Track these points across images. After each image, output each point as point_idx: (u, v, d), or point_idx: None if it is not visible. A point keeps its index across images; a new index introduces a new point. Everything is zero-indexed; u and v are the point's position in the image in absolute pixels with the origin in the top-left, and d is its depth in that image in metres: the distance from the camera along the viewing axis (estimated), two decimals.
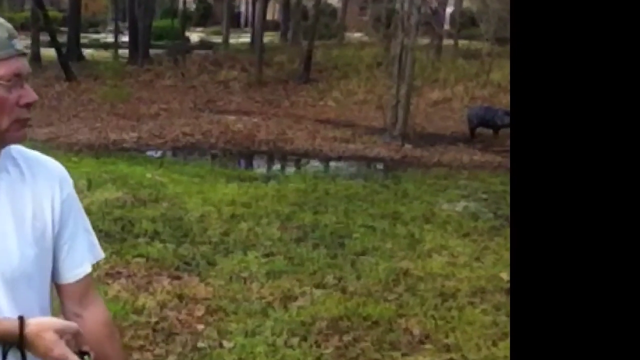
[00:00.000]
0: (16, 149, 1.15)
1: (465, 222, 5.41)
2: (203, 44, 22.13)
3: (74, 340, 1.03)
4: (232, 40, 21.56)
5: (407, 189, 6.67)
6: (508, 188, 5.50)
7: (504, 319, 3.41)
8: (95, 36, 25.38)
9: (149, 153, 8.95)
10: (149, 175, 6.61)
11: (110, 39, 22.15)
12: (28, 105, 1.10)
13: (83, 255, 1.20)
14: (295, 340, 3.18)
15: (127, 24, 21.17)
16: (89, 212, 1.26)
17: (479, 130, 10.36)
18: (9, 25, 1.10)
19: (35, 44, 16.67)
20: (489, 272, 4.15)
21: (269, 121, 11.33)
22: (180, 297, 3.61)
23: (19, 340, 1.00)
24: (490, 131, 10.26)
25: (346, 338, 3.23)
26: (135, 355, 2.99)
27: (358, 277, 4.02)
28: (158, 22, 23.41)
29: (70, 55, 17.12)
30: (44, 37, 16.63)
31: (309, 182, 6.80)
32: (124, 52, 19.37)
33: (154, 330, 3.23)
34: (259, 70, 15.83)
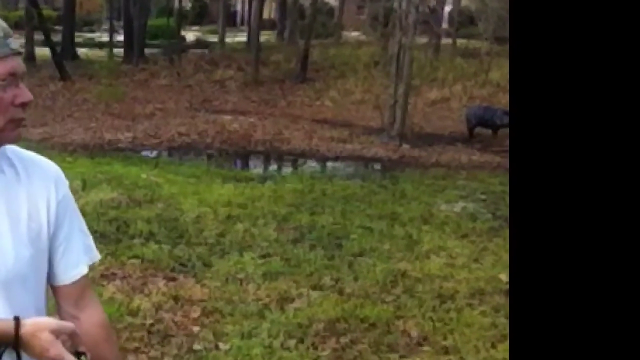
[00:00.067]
0: (11, 149, 1.15)
1: (463, 222, 5.40)
2: (199, 43, 22.11)
3: (70, 340, 1.02)
4: (228, 39, 21.55)
5: (405, 189, 6.65)
6: (507, 188, 5.45)
7: (503, 321, 3.39)
8: (90, 35, 25.34)
9: (144, 153, 8.92)
10: (144, 176, 6.60)
11: (105, 38, 22.15)
12: (23, 105, 1.10)
13: (79, 257, 1.19)
14: (292, 343, 3.17)
15: (122, 23, 21.15)
16: (83, 212, 1.25)
17: (478, 130, 10.35)
18: (4, 24, 1.09)
19: (29, 43, 16.60)
20: (487, 273, 4.15)
21: (266, 121, 11.32)
22: (175, 298, 3.60)
23: (15, 340, 0.99)
24: (489, 131, 10.24)
25: (343, 340, 3.22)
26: (131, 357, 2.97)
27: (355, 279, 4.01)
28: (153, 20, 23.40)
29: (64, 54, 17.10)
30: (38, 36, 16.59)
31: (305, 183, 6.78)
32: (119, 51, 19.36)
33: (149, 332, 3.21)
34: (256, 69, 15.81)
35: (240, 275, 3.96)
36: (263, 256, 4.32)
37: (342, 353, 3.11)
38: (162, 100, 13.38)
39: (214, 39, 22.38)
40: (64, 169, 1.22)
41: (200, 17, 30.88)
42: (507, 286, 3.75)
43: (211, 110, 12.47)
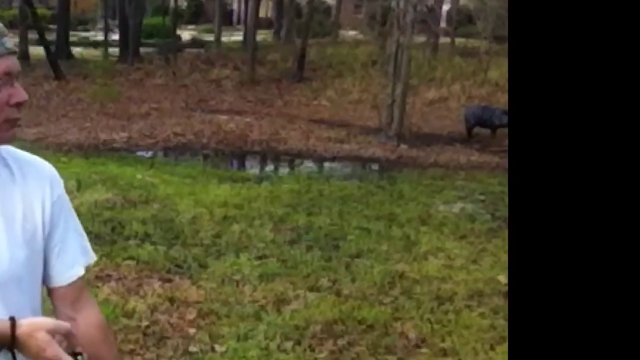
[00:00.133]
0: (6, 149, 1.14)
1: (462, 223, 5.39)
2: (195, 42, 22.09)
3: (66, 341, 1.01)
4: (224, 39, 21.52)
5: (403, 190, 6.65)
6: (506, 189, 5.45)
7: (502, 323, 3.39)
8: (84, 34, 25.30)
9: (140, 153, 8.90)
10: (139, 176, 6.58)
11: (100, 37, 22.10)
12: (18, 105, 1.09)
13: (75, 258, 1.19)
14: (288, 345, 3.15)
15: (117, 22, 21.11)
16: (78, 213, 1.24)
17: (477, 130, 10.34)
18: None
19: (24, 42, 16.57)
20: (486, 274, 4.14)
21: (262, 121, 11.30)
22: (171, 300, 3.58)
23: (11, 341, 0.98)
24: (488, 131, 10.23)
25: (341, 342, 3.21)
26: (126, 359, 2.93)
27: (353, 280, 4.00)
28: (149, 19, 23.36)
29: (59, 53, 17.05)
30: (33, 35, 16.56)
31: (302, 183, 6.77)
32: (114, 50, 19.32)
33: (145, 334, 3.20)
34: (252, 69, 15.78)
35: (237, 277, 3.95)
36: (259, 257, 4.31)
37: (339, 355, 3.10)
38: (158, 99, 13.35)
39: (210, 38, 22.36)
40: (58, 170, 1.22)
41: (196, 16, 30.87)
42: (506, 288, 3.72)
43: (207, 110, 12.45)
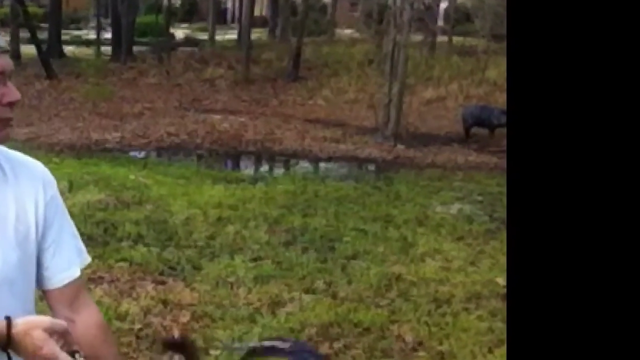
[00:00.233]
0: None
1: (459, 225, 5.38)
2: (188, 41, 22.03)
3: (63, 339, 1.00)
4: (218, 37, 21.48)
5: (400, 190, 6.63)
6: (504, 190, 5.48)
7: (500, 326, 3.38)
8: (76, 33, 25.20)
9: (133, 154, 8.87)
10: (132, 177, 6.56)
11: (92, 35, 22.03)
12: (11, 104, 1.08)
13: (70, 259, 1.18)
14: None
15: (109, 20, 21.06)
16: (70, 214, 1.23)
17: (474, 130, 10.30)
18: None
19: (15, 41, 16.45)
20: (484, 276, 4.14)
21: (257, 121, 11.28)
22: (164, 302, 3.57)
23: (7, 340, 0.97)
24: (486, 131, 10.19)
25: (337, 345, 3.20)
26: None
27: (349, 282, 3.99)
28: (142, 18, 23.29)
29: (51, 52, 16.98)
30: (24, 34, 16.47)
31: (298, 184, 6.75)
32: (106, 49, 19.27)
33: (138, 337, 3.17)
34: (246, 68, 15.74)
35: (231, 279, 3.94)
36: (254, 259, 4.29)
37: (335, 358, 3.09)
38: (151, 99, 13.30)
39: (203, 36, 22.31)
40: (50, 170, 1.21)
41: (189, 14, 30.81)
42: (505, 290, 3.74)
43: (201, 110, 12.41)
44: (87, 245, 1.26)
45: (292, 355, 1.20)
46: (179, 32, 24.16)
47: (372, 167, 8.70)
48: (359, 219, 5.39)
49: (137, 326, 3.25)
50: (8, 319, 0.98)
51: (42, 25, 20.24)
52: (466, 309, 3.63)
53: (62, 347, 0.98)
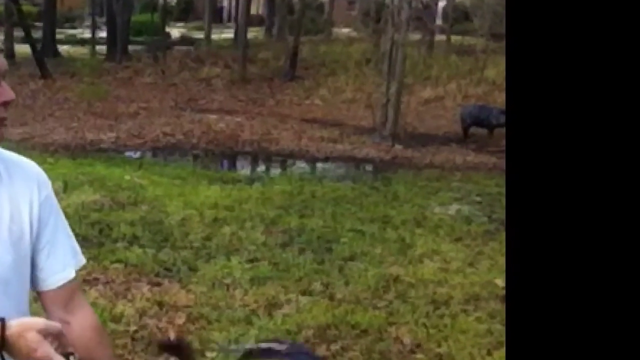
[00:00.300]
0: None
1: (458, 226, 5.37)
2: (184, 40, 21.95)
3: (57, 341, 0.99)
4: (214, 36, 21.39)
5: (398, 191, 6.62)
6: (503, 190, 5.48)
7: (499, 328, 3.37)
8: (71, 32, 25.09)
9: (128, 154, 8.85)
10: (127, 177, 6.54)
11: (87, 34, 21.97)
12: (5, 104, 1.08)
13: (65, 260, 1.18)
14: None
15: (104, 19, 20.95)
16: (65, 215, 1.23)
17: (473, 129, 10.28)
18: None
19: (9, 40, 16.41)
20: (483, 278, 4.13)
21: (253, 120, 11.25)
22: (160, 304, 3.56)
23: (0, 342, 0.97)
24: (485, 131, 10.16)
25: (334, 347, 3.19)
26: None
27: (346, 284, 3.98)
28: (137, 16, 23.21)
29: (45, 51, 16.89)
30: (18, 33, 16.38)
31: (294, 184, 6.74)
32: (101, 48, 19.20)
33: (133, 339, 3.17)
34: (243, 67, 15.69)
35: (227, 280, 3.93)
36: (250, 260, 4.28)
37: None
38: (146, 99, 13.26)
39: (199, 35, 22.22)
40: (45, 170, 1.21)
41: (185, 12, 30.72)
42: (503, 291, 3.74)
43: (197, 110, 12.38)
44: (82, 246, 1.25)
45: (289, 357, 1.20)
46: (175, 31, 24.09)
47: (369, 168, 8.68)
48: (357, 220, 5.38)
49: (133, 328, 3.24)
50: (2, 321, 0.97)
51: (37, 24, 20.15)
52: (465, 311, 3.63)
53: (56, 349, 0.98)
